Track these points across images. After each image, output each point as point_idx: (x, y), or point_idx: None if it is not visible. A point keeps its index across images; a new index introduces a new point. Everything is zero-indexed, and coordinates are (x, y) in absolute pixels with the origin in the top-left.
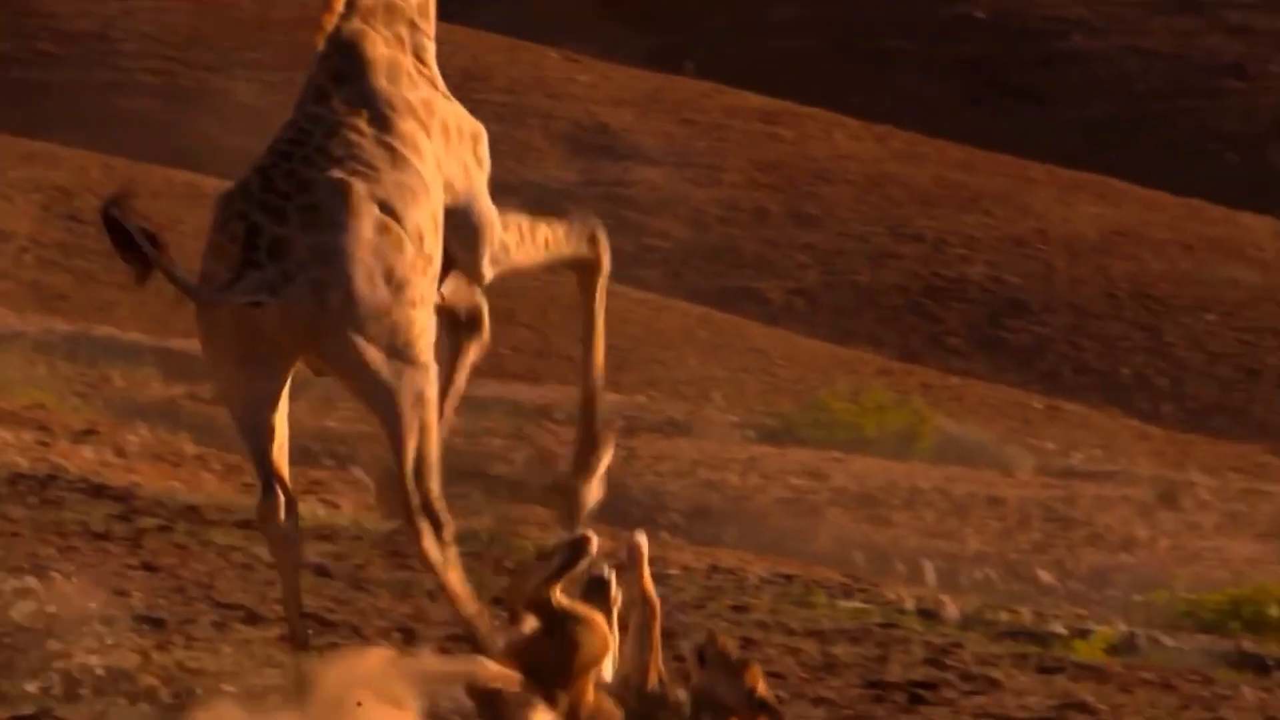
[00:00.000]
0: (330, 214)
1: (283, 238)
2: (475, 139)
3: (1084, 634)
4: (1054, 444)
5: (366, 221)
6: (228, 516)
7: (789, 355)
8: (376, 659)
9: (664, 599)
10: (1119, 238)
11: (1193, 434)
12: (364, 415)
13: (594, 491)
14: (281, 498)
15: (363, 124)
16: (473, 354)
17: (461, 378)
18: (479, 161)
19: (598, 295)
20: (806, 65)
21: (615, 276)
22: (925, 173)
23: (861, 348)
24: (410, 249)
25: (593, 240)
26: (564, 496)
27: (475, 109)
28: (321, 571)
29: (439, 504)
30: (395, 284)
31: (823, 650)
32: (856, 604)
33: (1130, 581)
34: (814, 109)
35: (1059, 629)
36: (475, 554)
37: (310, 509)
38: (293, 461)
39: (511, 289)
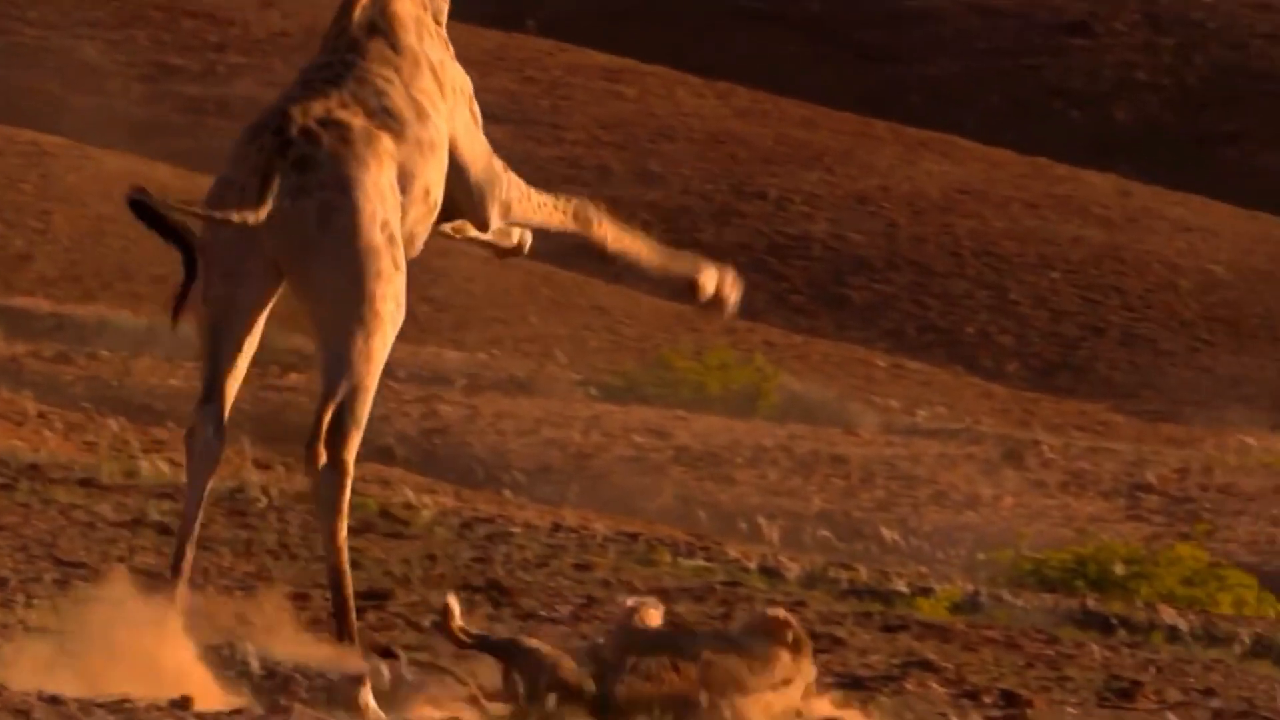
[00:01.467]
0: (359, 155)
1: (311, 156)
2: (470, 97)
3: (927, 592)
4: (898, 402)
5: (387, 175)
6: (70, 475)
7: (632, 313)
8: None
9: (507, 557)
10: (963, 195)
11: (1037, 392)
12: None
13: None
14: (217, 413)
15: (392, 76)
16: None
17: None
18: (475, 118)
19: (614, 245)
20: (650, 23)
21: (447, 237)
22: (768, 130)
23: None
24: (415, 210)
25: (585, 220)
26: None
27: None
28: (164, 530)
29: (350, 455)
30: (390, 237)
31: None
32: (699, 562)
33: (974, 540)
34: (657, 67)
35: (902, 587)
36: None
37: (153, 466)
38: (136, 420)
39: None
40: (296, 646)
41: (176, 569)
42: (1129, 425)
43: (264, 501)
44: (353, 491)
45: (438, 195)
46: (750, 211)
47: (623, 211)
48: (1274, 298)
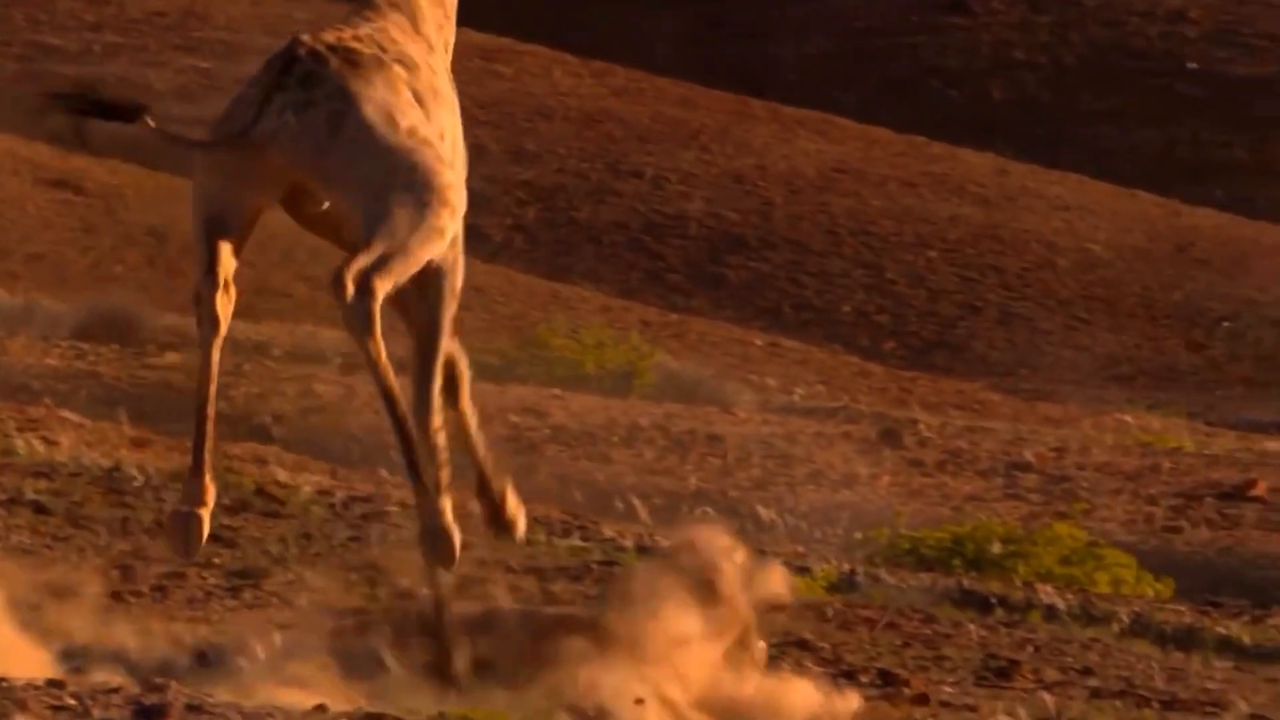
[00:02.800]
0: (367, 75)
1: (316, 73)
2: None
3: (804, 571)
4: (774, 381)
5: (403, 95)
6: None
7: (508, 292)
8: None
9: (383, 536)
10: (839, 174)
11: (914, 371)
12: (83, 354)
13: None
14: (221, 278)
15: (406, 41)
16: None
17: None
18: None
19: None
20: (527, 2)
21: None
22: (644, 109)
23: (581, 284)
24: (432, 131)
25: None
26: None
27: (195, 47)
28: (39, 509)
29: (379, 285)
30: (420, 137)
31: (543, 588)
32: (576, 541)
33: (851, 519)
34: (533, 46)
35: (778, 568)
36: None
37: (28, 445)
38: (11, 399)
39: None
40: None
41: (200, 442)
42: (1006, 404)
43: (140, 480)
44: (228, 470)
45: (451, 152)
46: (626, 190)
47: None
48: (1152, 276)
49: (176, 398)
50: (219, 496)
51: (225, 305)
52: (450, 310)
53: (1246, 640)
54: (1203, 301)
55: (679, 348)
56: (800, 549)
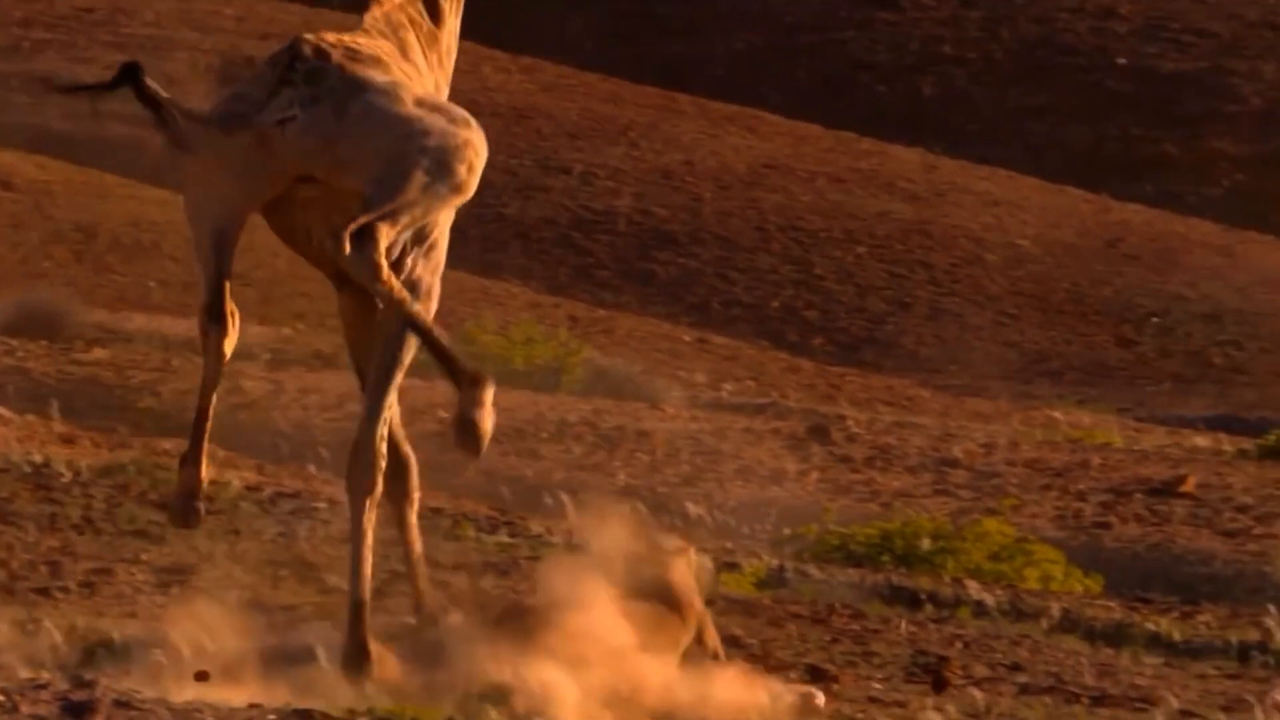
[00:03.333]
0: (367, 68)
1: (321, 68)
2: None
3: (733, 567)
4: (703, 377)
5: (398, 82)
6: None
7: None
8: None
9: (311, 532)
10: (768, 170)
11: (843, 367)
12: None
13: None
14: (227, 312)
15: (394, 52)
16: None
17: None
18: None
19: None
20: None
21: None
22: (573, 105)
23: (510, 280)
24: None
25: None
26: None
27: (124, 43)
28: None
29: (380, 235)
30: (429, 104)
31: (471, 584)
32: (503, 538)
33: (780, 515)
34: (463, 42)
35: (707, 563)
36: (123, 486)
37: None
38: None
39: (159, 221)
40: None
41: (193, 460)
42: (935, 400)
43: (68, 476)
44: (156, 466)
45: None
46: (555, 186)
47: None
48: (1081, 272)
49: (105, 393)
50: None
51: (231, 341)
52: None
53: (1176, 636)
54: (1132, 297)
55: (607, 344)
56: (729, 545)
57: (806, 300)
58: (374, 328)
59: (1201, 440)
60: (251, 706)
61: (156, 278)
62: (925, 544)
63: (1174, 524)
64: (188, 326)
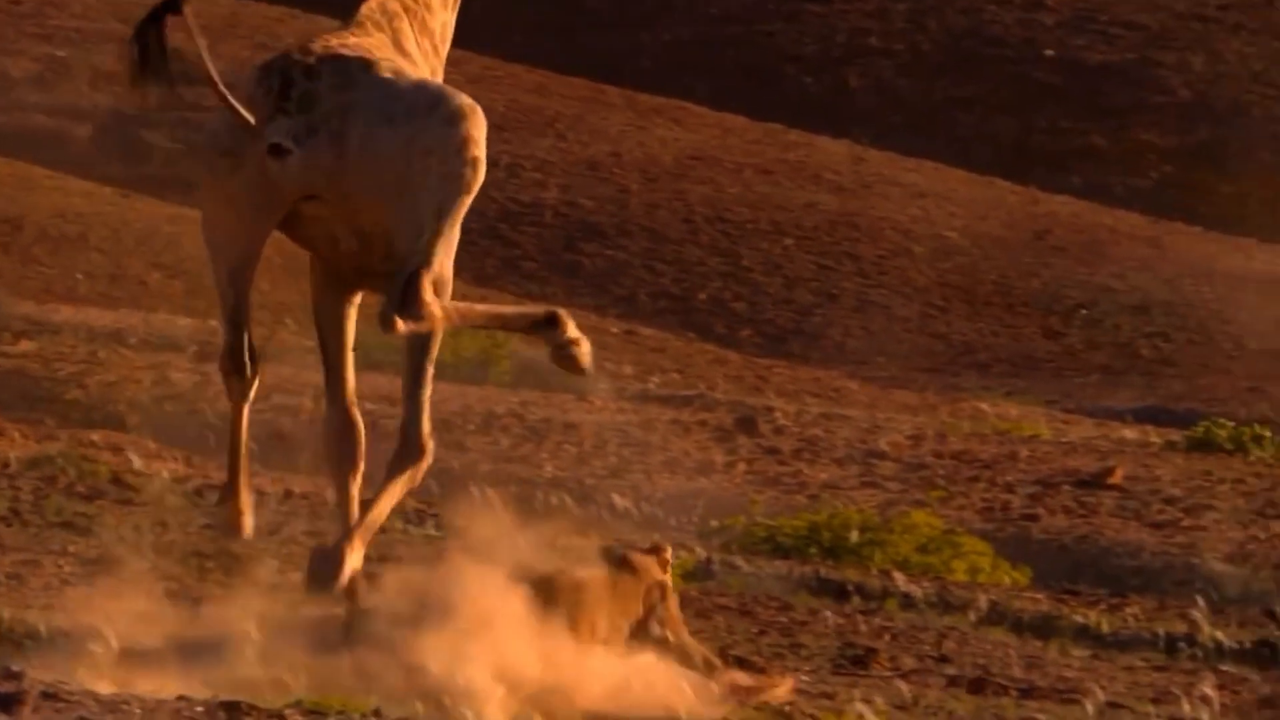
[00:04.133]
0: (356, 77)
1: (312, 92)
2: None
3: None
4: (631, 368)
5: (389, 88)
6: None
7: None
8: None
9: None
10: (695, 162)
11: (770, 359)
12: None
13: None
14: (247, 347)
15: (385, 44)
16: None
17: None
18: None
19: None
20: None
21: (179, 204)
22: (500, 97)
23: None
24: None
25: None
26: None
27: (51, 35)
28: None
29: (444, 295)
30: (411, 102)
31: (398, 575)
32: (430, 530)
33: (707, 507)
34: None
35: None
36: (50, 478)
37: None
38: None
39: (85, 213)
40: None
41: (232, 492)
42: (863, 392)
43: None
44: (83, 459)
45: None
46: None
47: None
48: (1009, 264)
49: (32, 385)
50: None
51: (252, 388)
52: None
53: (1104, 628)
54: (1060, 289)
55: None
56: (656, 536)
57: (734, 292)
58: (344, 296)
59: (1129, 432)
60: (179, 699)
61: (83, 269)
62: (853, 536)
63: (1102, 516)
64: (115, 318)
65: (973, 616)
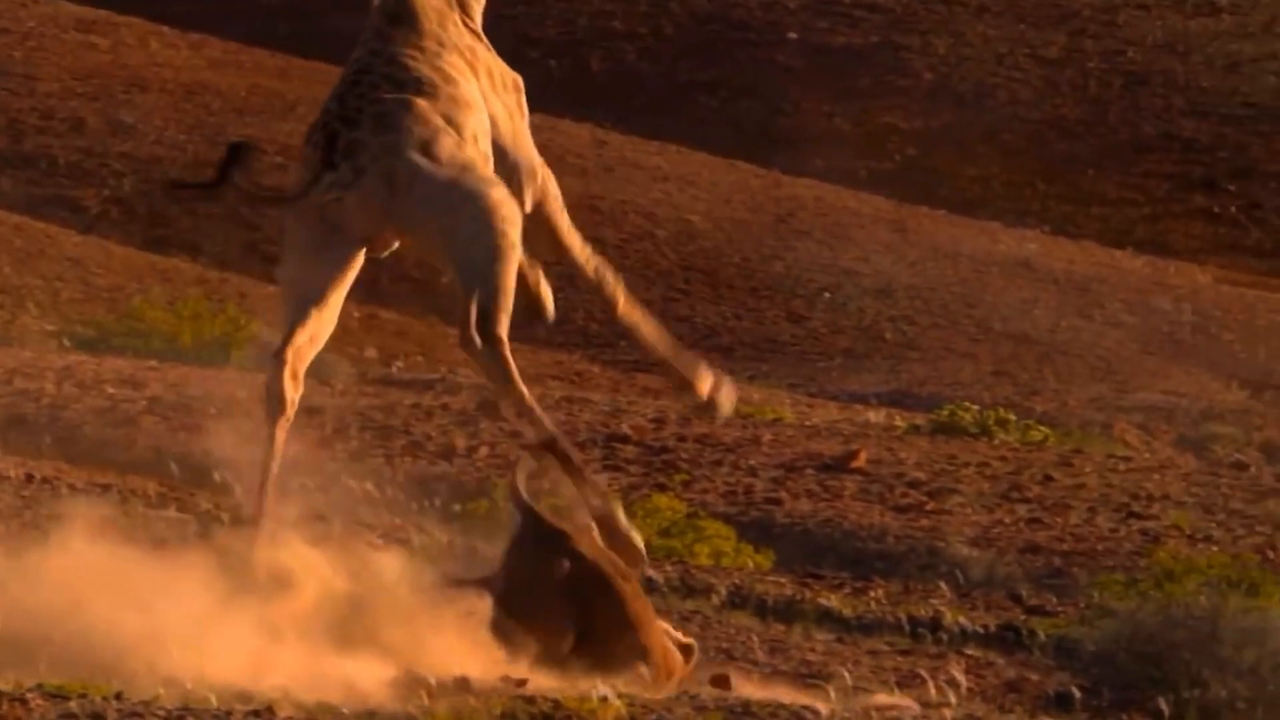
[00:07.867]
0: (398, 119)
1: (356, 141)
2: (516, 89)
3: (403, 544)
4: (373, 352)
5: (430, 126)
6: None
7: (105, 264)
8: None
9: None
10: None
11: (513, 342)
12: None
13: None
14: (288, 367)
15: (417, 54)
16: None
17: None
18: (520, 109)
19: (624, 311)
20: None
21: None
22: (242, 80)
23: (179, 256)
24: (469, 146)
25: (600, 273)
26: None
27: None
28: None
29: (502, 331)
30: (458, 165)
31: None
32: (172, 513)
33: (450, 490)
34: (130, 17)
35: (377, 540)
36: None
37: None
38: None
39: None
40: None
41: (256, 513)
42: (605, 375)
43: None
44: None
45: (486, 146)
46: None
47: (95, 161)
48: (752, 247)
49: None
50: None
51: (293, 390)
52: (564, 215)
53: (847, 612)
54: (803, 273)
55: (277, 319)
56: (399, 521)
57: None
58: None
59: (873, 416)
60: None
61: None
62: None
63: (845, 500)
64: None
65: (716, 600)
